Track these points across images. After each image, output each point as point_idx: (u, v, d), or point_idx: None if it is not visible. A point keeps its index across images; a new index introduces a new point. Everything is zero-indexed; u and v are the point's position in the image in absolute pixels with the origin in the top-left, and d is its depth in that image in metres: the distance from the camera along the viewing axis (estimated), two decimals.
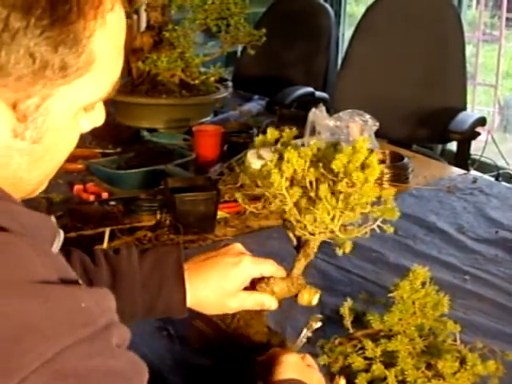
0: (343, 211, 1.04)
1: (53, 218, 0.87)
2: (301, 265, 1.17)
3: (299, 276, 1.19)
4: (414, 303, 1.17)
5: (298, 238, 1.15)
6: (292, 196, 1.06)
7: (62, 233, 0.87)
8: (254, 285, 1.20)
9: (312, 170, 1.06)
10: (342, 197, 1.03)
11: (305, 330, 1.22)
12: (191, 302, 1.16)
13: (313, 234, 1.09)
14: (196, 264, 1.19)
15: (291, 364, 1.09)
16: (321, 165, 1.05)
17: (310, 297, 1.19)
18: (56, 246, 0.84)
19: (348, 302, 1.24)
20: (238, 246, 1.23)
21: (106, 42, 0.78)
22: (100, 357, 0.69)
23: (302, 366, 1.11)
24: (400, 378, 1.12)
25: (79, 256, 1.16)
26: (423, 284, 1.19)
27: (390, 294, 1.19)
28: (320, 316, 1.24)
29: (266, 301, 1.18)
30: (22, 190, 0.82)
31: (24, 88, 0.74)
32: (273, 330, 1.24)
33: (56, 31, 0.73)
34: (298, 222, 1.09)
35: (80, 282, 0.78)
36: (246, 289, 1.19)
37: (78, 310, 0.70)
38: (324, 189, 1.04)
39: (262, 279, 1.20)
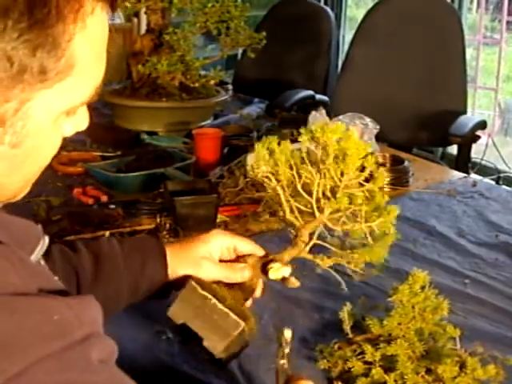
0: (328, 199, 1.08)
1: (39, 226, 0.86)
2: (288, 252, 1.18)
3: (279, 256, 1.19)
4: (413, 307, 1.16)
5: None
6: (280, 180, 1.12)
7: (46, 239, 0.86)
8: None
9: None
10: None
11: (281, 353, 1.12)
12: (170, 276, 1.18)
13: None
14: (172, 245, 1.23)
15: None
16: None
17: (279, 270, 1.17)
18: (38, 252, 0.84)
19: (347, 307, 1.24)
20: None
21: (86, 46, 0.76)
22: (73, 371, 0.67)
23: None
24: (400, 382, 1.11)
25: (58, 247, 1.16)
26: (422, 288, 1.18)
27: (390, 299, 1.19)
28: (288, 330, 1.13)
29: (231, 274, 1.18)
30: (1, 194, 0.81)
31: (2, 92, 0.73)
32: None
33: (34, 34, 0.71)
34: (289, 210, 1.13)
35: (64, 288, 0.76)
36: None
37: (48, 322, 0.67)
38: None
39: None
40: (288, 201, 1.15)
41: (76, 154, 2.37)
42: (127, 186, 2.06)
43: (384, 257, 1.17)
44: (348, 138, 1.07)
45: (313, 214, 1.14)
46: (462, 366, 1.12)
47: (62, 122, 0.81)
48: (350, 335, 1.21)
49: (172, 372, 1.25)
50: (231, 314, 1.07)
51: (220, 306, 1.08)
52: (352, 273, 1.19)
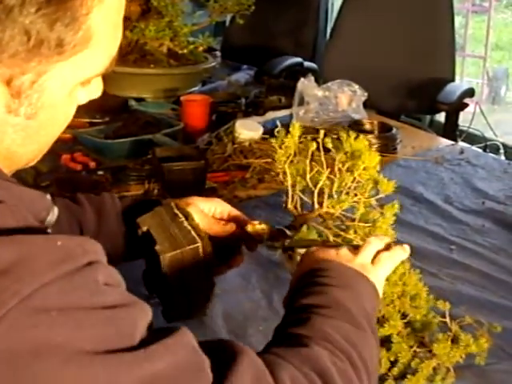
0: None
1: (48, 196, 0.87)
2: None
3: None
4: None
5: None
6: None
7: (56, 210, 0.87)
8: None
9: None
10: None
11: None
12: None
13: None
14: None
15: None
16: None
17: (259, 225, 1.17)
18: (48, 222, 0.85)
19: None
20: None
21: (103, 18, 0.77)
22: (83, 291, 0.69)
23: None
24: (392, 358, 1.13)
25: (62, 201, 1.17)
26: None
27: None
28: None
29: (214, 225, 1.17)
30: (15, 163, 0.82)
31: (19, 64, 0.73)
32: None
33: (52, 8, 0.72)
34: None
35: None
36: None
37: (54, 248, 0.70)
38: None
39: None
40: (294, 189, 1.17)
41: None
42: (115, 152, 2.06)
43: None
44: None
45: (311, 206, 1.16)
46: (454, 339, 1.14)
47: (76, 93, 0.82)
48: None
49: None
50: (192, 232, 1.09)
51: (186, 224, 1.10)
52: None
